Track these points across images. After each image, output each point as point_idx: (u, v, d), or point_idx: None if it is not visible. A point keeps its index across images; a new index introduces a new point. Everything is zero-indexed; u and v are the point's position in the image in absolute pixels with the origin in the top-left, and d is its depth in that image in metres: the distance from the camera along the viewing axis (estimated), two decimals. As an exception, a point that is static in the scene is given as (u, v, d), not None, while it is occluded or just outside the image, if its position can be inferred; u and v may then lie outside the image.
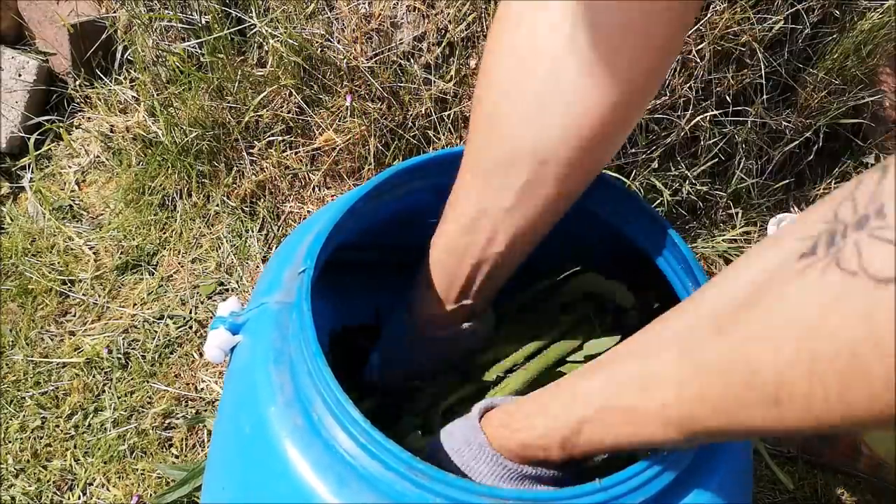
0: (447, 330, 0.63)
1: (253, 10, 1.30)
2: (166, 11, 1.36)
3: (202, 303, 1.29)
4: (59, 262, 1.34)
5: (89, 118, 1.49)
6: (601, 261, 0.72)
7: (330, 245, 0.57)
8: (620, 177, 1.29)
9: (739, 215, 1.39)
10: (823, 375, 0.31)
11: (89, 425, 1.16)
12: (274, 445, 0.48)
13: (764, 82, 1.31)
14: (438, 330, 0.63)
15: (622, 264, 0.70)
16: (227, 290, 1.32)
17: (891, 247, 0.28)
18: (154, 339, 1.25)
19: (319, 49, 1.29)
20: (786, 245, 0.35)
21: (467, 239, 0.57)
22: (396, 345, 0.67)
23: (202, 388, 1.20)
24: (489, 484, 0.49)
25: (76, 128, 1.50)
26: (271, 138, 1.34)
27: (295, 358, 0.50)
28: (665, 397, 0.40)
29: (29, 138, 1.46)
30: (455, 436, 0.53)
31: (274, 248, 1.35)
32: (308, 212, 1.36)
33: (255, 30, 1.31)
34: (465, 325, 0.63)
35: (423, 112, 1.31)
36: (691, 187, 1.34)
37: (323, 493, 0.45)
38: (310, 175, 1.36)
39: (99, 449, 1.13)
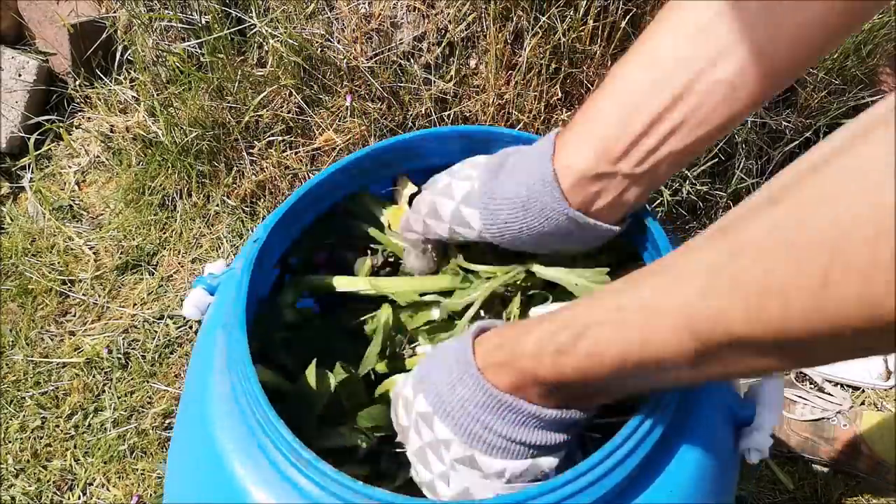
0: (588, 200, 0.52)
1: (253, 10, 1.30)
2: (166, 11, 1.36)
3: (202, 303, 1.29)
4: (59, 262, 1.34)
5: (89, 118, 1.49)
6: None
7: (288, 220, 0.58)
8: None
9: (739, 215, 1.39)
10: (889, 236, 0.25)
11: (89, 425, 1.16)
12: (206, 408, 0.50)
13: (764, 82, 1.31)
14: (573, 193, 0.51)
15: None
16: (227, 290, 1.32)
17: None
18: (154, 339, 1.25)
19: (319, 49, 1.29)
20: (850, 126, 0.31)
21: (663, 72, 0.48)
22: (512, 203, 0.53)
23: (202, 388, 1.20)
24: (462, 412, 0.44)
25: (76, 128, 1.50)
26: (271, 138, 1.34)
27: (228, 325, 0.51)
28: (688, 293, 0.34)
29: (29, 138, 1.46)
30: (442, 354, 0.48)
31: (274, 248, 1.35)
32: (308, 212, 1.37)
33: (255, 30, 1.31)
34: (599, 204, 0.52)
35: (423, 112, 1.31)
36: (691, 187, 1.34)
37: (231, 454, 0.46)
38: (310, 175, 1.36)
39: (99, 449, 1.13)
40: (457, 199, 0.56)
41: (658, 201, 1.32)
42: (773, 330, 0.30)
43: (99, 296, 1.30)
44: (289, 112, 1.33)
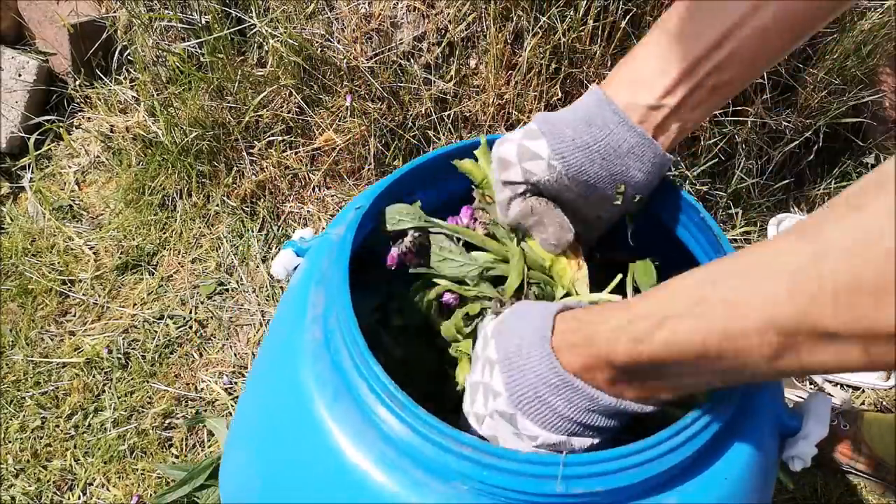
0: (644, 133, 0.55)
1: (253, 10, 1.30)
2: (166, 11, 1.35)
3: (202, 303, 1.29)
4: (59, 262, 1.34)
5: (89, 118, 1.49)
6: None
7: (389, 192, 0.62)
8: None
9: (739, 215, 1.39)
10: None
11: (89, 425, 1.16)
12: (293, 354, 0.53)
13: (764, 82, 1.31)
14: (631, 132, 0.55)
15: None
16: (227, 289, 1.32)
17: None
18: (154, 339, 1.25)
19: (319, 49, 1.29)
20: None
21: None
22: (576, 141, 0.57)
23: (202, 388, 1.20)
24: (520, 376, 0.46)
25: (76, 128, 1.50)
26: (271, 138, 1.34)
27: (328, 279, 0.55)
28: (775, 291, 0.35)
29: (29, 138, 1.46)
30: (527, 314, 0.50)
31: (274, 248, 1.35)
32: (308, 212, 1.36)
33: (255, 30, 1.31)
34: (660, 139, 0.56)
35: (423, 112, 1.31)
36: (691, 187, 1.34)
37: (318, 402, 0.49)
38: (310, 175, 1.36)
39: (99, 449, 1.13)
40: (516, 138, 0.59)
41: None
42: (863, 327, 0.32)
43: (99, 296, 1.30)
44: (289, 112, 1.33)
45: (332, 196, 1.36)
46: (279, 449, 0.52)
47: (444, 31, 1.29)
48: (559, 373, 0.46)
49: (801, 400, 0.59)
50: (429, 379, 0.65)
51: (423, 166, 0.64)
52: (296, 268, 0.65)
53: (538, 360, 0.47)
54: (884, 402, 1.24)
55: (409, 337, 0.68)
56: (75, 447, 1.13)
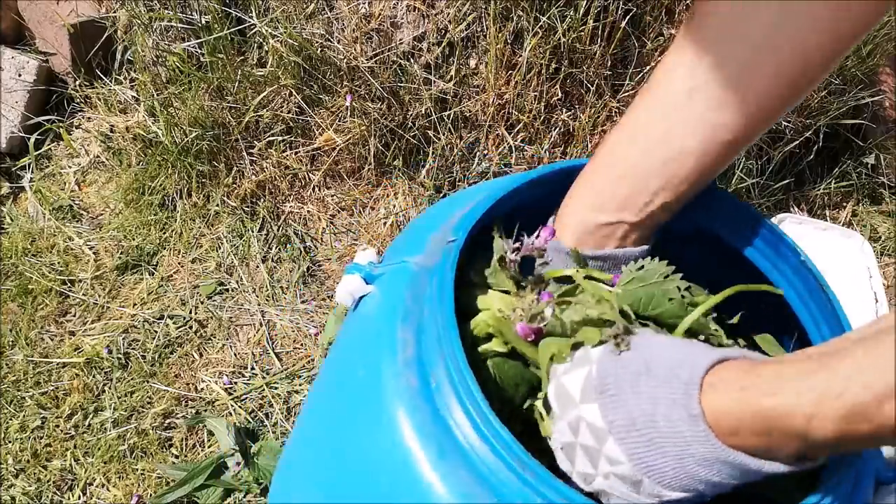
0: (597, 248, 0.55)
1: (253, 10, 1.30)
2: (166, 11, 1.36)
3: (202, 303, 1.29)
4: (59, 262, 1.34)
5: (89, 118, 1.49)
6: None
7: (483, 221, 0.56)
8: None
9: (739, 215, 1.39)
10: None
11: (89, 425, 1.16)
12: (382, 397, 0.48)
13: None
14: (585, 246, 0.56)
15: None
16: (227, 289, 1.32)
17: None
18: (154, 339, 1.25)
19: (319, 49, 1.29)
20: None
21: (660, 131, 0.52)
22: None
23: (202, 388, 1.20)
24: (657, 459, 0.40)
25: (76, 128, 1.50)
26: (271, 138, 1.34)
27: (426, 321, 0.50)
28: None
29: (29, 138, 1.46)
30: (646, 375, 0.41)
31: (274, 248, 1.35)
32: (308, 212, 1.36)
33: (255, 30, 1.31)
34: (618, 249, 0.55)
35: (423, 112, 1.31)
36: (691, 187, 1.34)
37: (421, 458, 0.45)
38: (310, 175, 1.36)
39: (99, 449, 1.13)
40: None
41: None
42: None
43: (99, 296, 1.30)
44: (289, 112, 1.33)
45: (332, 196, 1.37)
46: (363, 491, 0.48)
47: (444, 31, 1.29)
48: (718, 450, 0.38)
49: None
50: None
51: (512, 194, 0.58)
52: (362, 296, 0.59)
53: (688, 441, 0.39)
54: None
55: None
56: (75, 447, 1.13)
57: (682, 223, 0.58)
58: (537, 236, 0.58)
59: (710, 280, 0.55)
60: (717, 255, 0.59)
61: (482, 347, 0.54)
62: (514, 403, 0.52)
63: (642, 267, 0.53)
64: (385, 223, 1.36)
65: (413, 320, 0.51)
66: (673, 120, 0.51)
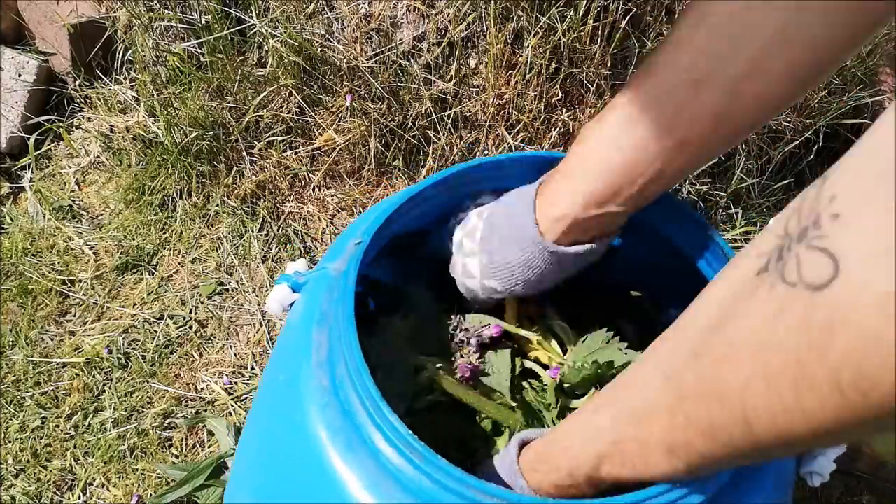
0: (576, 240, 0.59)
1: (253, 10, 1.30)
2: (166, 11, 1.36)
3: (202, 303, 1.29)
4: (59, 262, 1.34)
5: (89, 118, 1.49)
6: (656, 280, 0.72)
7: (389, 224, 0.61)
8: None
9: (739, 215, 1.39)
10: (779, 389, 0.32)
11: (89, 425, 1.16)
12: (299, 399, 0.51)
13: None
14: (564, 237, 0.59)
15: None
16: (227, 289, 1.32)
17: (823, 255, 0.29)
18: (154, 339, 1.25)
19: (319, 49, 1.29)
20: (745, 264, 0.36)
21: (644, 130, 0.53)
22: (505, 249, 0.62)
23: (202, 388, 1.20)
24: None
25: (76, 128, 1.50)
26: (271, 138, 1.34)
27: (332, 322, 0.53)
28: (661, 426, 0.41)
29: (29, 138, 1.46)
30: (500, 472, 0.53)
31: (274, 248, 1.35)
32: (308, 212, 1.36)
33: (255, 30, 1.31)
34: (594, 244, 0.59)
35: (423, 112, 1.31)
36: (691, 187, 1.34)
37: (331, 453, 0.47)
38: (310, 175, 1.36)
39: (99, 449, 1.13)
40: (463, 253, 0.65)
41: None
42: (729, 454, 0.38)
43: (99, 296, 1.30)
44: (289, 112, 1.33)
45: (332, 196, 1.36)
46: (288, 496, 0.50)
47: (444, 31, 1.29)
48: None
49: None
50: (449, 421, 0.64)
51: (422, 195, 0.63)
52: (291, 304, 0.63)
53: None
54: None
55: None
56: (75, 447, 1.13)
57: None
58: (489, 328, 0.65)
59: (644, 265, 0.68)
60: (649, 243, 0.67)
61: (423, 402, 0.60)
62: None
63: (586, 339, 0.64)
64: (385, 223, 1.35)
65: (326, 323, 0.54)
66: (677, 111, 0.51)
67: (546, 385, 0.62)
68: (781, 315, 0.31)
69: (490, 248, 0.62)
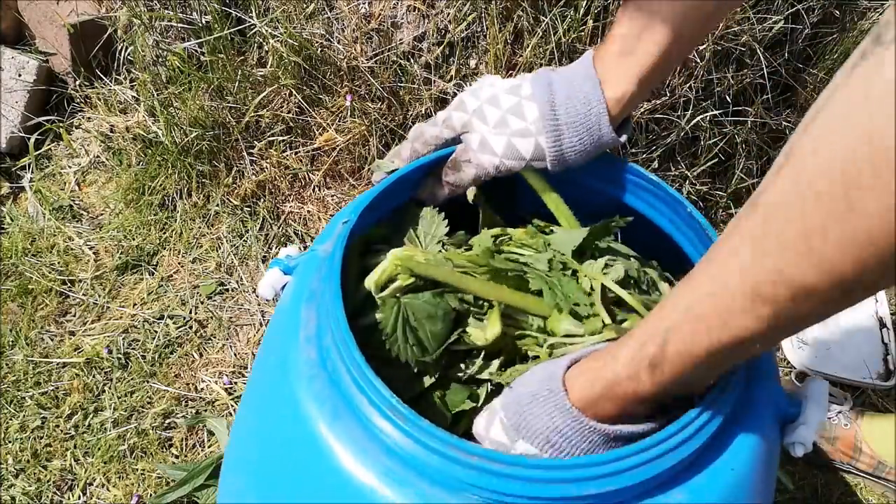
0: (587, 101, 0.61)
1: (253, 10, 1.30)
2: (166, 11, 1.36)
3: (202, 303, 1.29)
4: (59, 262, 1.34)
5: (89, 118, 1.49)
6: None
7: (376, 204, 0.62)
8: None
9: (739, 215, 1.39)
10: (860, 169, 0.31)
11: (89, 425, 1.16)
12: (287, 374, 0.52)
13: (765, 82, 1.31)
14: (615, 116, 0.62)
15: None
16: (227, 289, 1.32)
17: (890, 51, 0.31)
18: (154, 339, 1.25)
19: (319, 49, 1.29)
20: (849, 61, 0.36)
21: None
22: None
23: (202, 388, 1.20)
24: (568, 447, 0.49)
25: (76, 128, 1.50)
26: (271, 138, 1.34)
27: (320, 298, 0.54)
28: (743, 262, 0.38)
29: (29, 138, 1.46)
30: (533, 394, 0.51)
31: (274, 248, 1.35)
32: (308, 212, 1.36)
33: (255, 30, 1.31)
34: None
35: (423, 112, 1.31)
36: (691, 187, 1.34)
37: (318, 422, 0.48)
38: (310, 175, 1.36)
39: (99, 449, 1.13)
40: (510, 131, 0.63)
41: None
42: (825, 270, 0.34)
43: (99, 296, 1.30)
44: (289, 112, 1.33)
45: (332, 196, 1.36)
46: (280, 472, 0.51)
47: (444, 31, 1.29)
48: (598, 429, 0.48)
49: (798, 386, 0.60)
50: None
51: (406, 177, 0.65)
52: (283, 287, 0.64)
53: (576, 432, 0.48)
54: (884, 402, 1.24)
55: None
56: (75, 447, 1.13)
57: (600, 199, 0.69)
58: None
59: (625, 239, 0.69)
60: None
61: (388, 290, 0.58)
62: (431, 350, 0.57)
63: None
64: (385, 223, 1.36)
65: (315, 299, 0.55)
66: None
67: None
68: (865, 102, 0.32)
69: (552, 113, 0.63)
